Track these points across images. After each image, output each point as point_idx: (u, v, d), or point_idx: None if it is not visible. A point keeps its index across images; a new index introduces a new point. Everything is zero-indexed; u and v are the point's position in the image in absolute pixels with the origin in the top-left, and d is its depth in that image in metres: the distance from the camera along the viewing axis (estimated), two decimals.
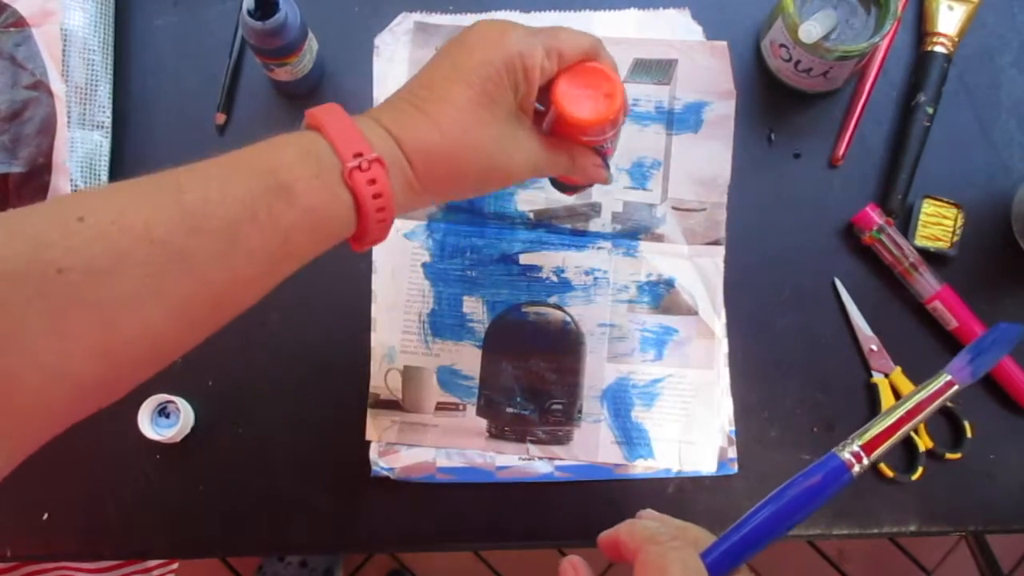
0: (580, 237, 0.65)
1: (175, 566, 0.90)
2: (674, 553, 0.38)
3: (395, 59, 0.66)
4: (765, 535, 0.38)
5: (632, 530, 0.41)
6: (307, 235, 0.39)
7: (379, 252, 0.64)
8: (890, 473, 0.62)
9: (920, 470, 0.62)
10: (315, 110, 0.41)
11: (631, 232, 0.65)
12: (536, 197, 0.65)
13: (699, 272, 0.64)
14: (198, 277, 0.35)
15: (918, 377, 0.63)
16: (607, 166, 0.52)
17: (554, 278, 0.64)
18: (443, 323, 0.64)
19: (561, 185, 0.58)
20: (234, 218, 0.36)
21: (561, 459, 0.62)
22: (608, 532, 0.44)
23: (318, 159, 0.39)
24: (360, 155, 0.39)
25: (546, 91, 0.46)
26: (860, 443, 0.38)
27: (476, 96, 0.42)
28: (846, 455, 0.38)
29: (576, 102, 0.45)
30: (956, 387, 0.40)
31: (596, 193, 0.65)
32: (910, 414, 0.39)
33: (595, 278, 0.64)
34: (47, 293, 0.32)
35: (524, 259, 0.64)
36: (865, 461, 0.38)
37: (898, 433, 0.39)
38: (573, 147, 0.49)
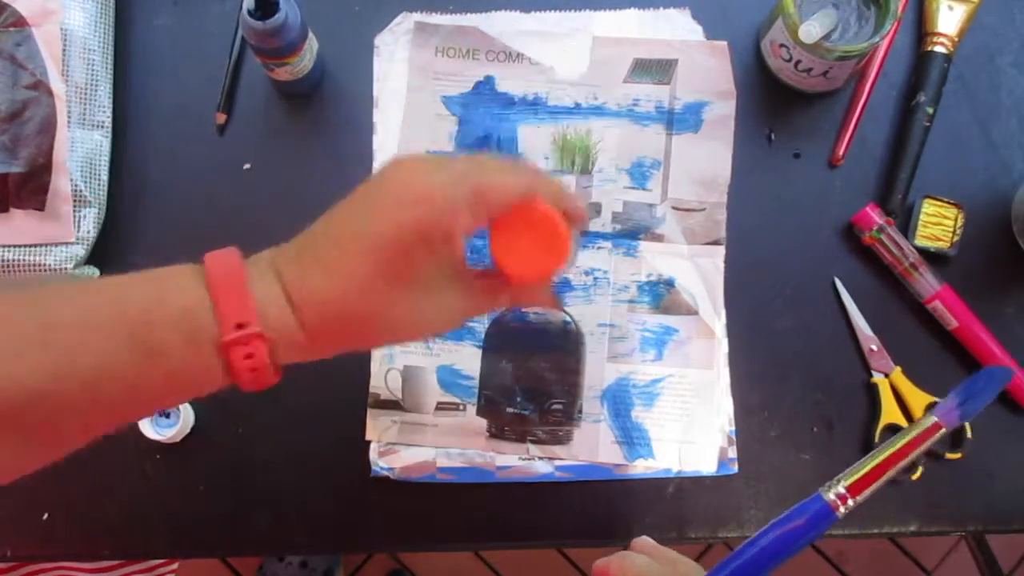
0: (581, 237, 0.65)
1: (175, 566, 0.90)
2: None
3: (395, 59, 0.66)
4: (753, 573, 0.38)
5: (622, 565, 0.43)
6: (169, 392, 0.38)
7: None
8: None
9: (920, 470, 0.62)
10: (213, 256, 0.38)
11: (631, 232, 0.65)
12: None
13: (699, 272, 0.64)
14: (54, 423, 0.37)
15: (918, 377, 0.63)
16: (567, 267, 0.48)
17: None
18: None
19: None
20: (92, 376, 0.35)
21: (561, 459, 0.62)
22: (602, 561, 0.45)
23: (196, 321, 0.36)
24: (242, 326, 0.36)
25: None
26: (846, 484, 0.38)
27: (382, 265, 0.38)
28: (831, 496, 0.38)
29: (518, 259, 0.41)
30: (943, 430, 0.40)
31: (596, 193, 0.65)
32: (897, 456, 0.39)
33: (595, 278, 0.64)
34: None
35: None
36: (850, 502, 0.38)
37: (884, 476, 0.38)
38: (515, 288, 0.44)
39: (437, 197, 0.37)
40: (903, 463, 0.39)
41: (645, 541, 0.48)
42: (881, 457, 0.38)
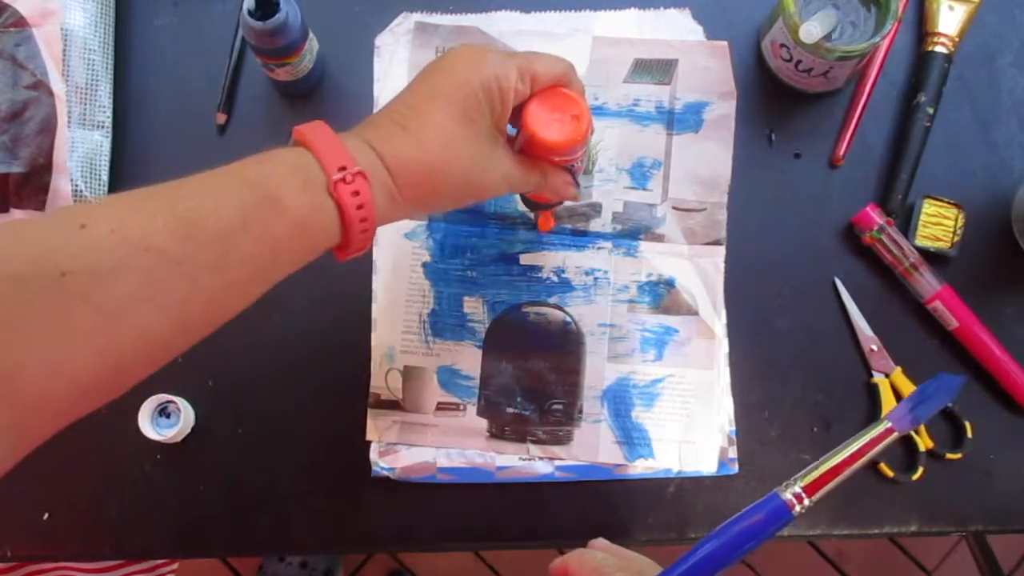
0: (580, 237, 0.65)
1: (175, 566, 0.90)
2: None
3: (395, 59, 0.66)
4: (707, 570, 0.39)
5: (581, 561, 0.44)
6: (295, 243, 0.41)
7: (379, 252, 0.64)
8: (890, 473, 0.62)
9: (920, 470, 0.62)
10: (302, 127, 0.43)
11: (631, 232, 0.65)
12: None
13: (699, 272, 0.64)
14: (192, 283, 0.37)
15: (918, 377, 0.63)
16: (576, 183, 0.55)
17: (554, 278, 0.64)
18: (443, 323, 0.64)
19: (531, 203, 0.60)
20: (225, 228, 0.38)
21: (561, 459, 0.62)
22: (558, 561, 0.47)
23: (305, 172, 0.41)
24: (344, 168, 0.41)
25: (518, 114, 0.48)
26: (802, 484, 0.40)
27: (455, 115, 0.45)
28: (788, 496, 0.39)
29: (546, 125, 0.48)
30: (895, 434, 0.41)
31: (596, 193, 0.65)
32: (851, 459, 0.40)
33: (595, 278, 0.64)
34: (51, 294, 0.33)
35: (524, 259, 0.64)
36: (806, 502, 0.39)
37: (839, 477, 0.40)
38: (544, 166, 0.51)
39: (494, 61, 0.46)
40: (857, 465, 0.40)
41: (602, 541, 0.51)
42: (837, 459, 0.40)
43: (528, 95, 0.48)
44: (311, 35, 0.62)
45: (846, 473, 0.40)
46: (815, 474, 0.40)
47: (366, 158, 0.43)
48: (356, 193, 0.41)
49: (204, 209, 0.38)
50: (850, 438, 0.41)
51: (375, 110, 0.65)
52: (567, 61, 0.49)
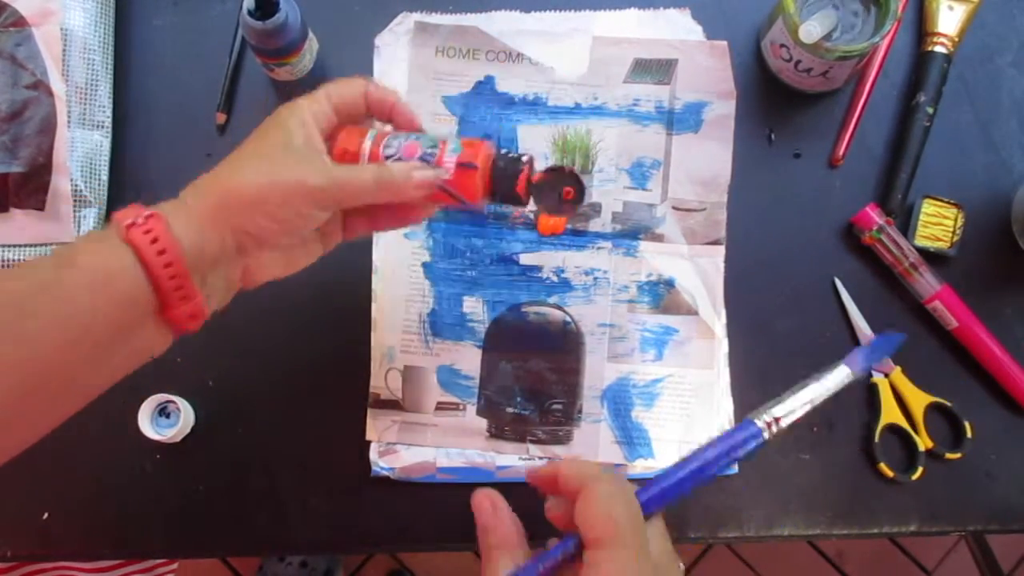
0: (580, 237, 0.65)
1: (175, 566, 0.90)
2: (618, 490, 0.41)
3: (395, 59, 0.66)
4: (688, 483, 0.43)
5: (579, 468, 0.43)
6: (100, 299, 0.39)
7: (379, 252, 0.64)
8: (890, 473, 0.62)
9: (920, 470, 0.62)
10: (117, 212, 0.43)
11: (631, 232, 0.65)
12: None
13: (699, 272, 0.64)
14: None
15: (918, 377, 0.63)
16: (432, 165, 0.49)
17: (554, 278, 0.64)
18: (443, 323, 0.64)
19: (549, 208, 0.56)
20: (25, 290, 0.38)
21: (561, 459, 0.62)
22: (545, 467, 0.46)
23: (100, 231, 0.42)
24: (137, 214, 0.40)
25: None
26: (774, 414, 0.44)
27: (250, 142, 0.46)
28: (760, 422, 0.43)
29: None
30: (849, 373, 0.45)
31: (596, 193, 0.65)
32: (808, 393, 0.45)
33: (595, 278, 0.64)
34: None
35: (524, 259, 0.64)
36: (774, 428, 0.43)
37: (800, 407, 0.44)
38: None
39: (297, 101, 0.47)
40: (817, 401, 0.45)
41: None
42: (801, 395, 0.44)
43: (330, 112, 0.48)
44: (311, 35, 0.62)
45: (808, 407, 0.44)
46: (784, 406, 0.44)
47: (167, 206, 0.42)
48: (149, 231, 0.40)
49: (6, 277, 0.39)
50: (810, 378, 0.45)
51: None
52: (364, 79, 0.51)
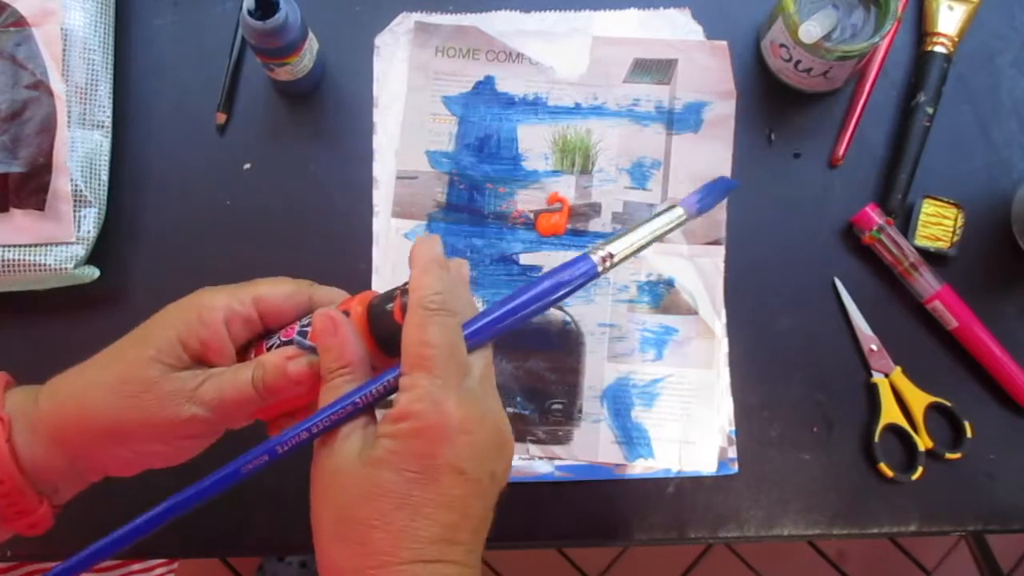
0: (580, 237, 0.65)
1: (175, 566, 0.90)
2: (438, 316, 0.39)
3: (395, 59, 0.66)
4: (519, 313, 0.41)
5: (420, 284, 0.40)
6: None
7: (379, 252, 0.64)
8: (890, 473, 0.62)
9: (920, 470, 0.62)
10: None
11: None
12: (536, 197, 0.65)
13: (699, 272, 0.64)
14: None
15: (918, 377, 0.63)
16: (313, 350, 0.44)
17: None
18: None
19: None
20: None
21: (561, 459, 0.62)
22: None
23: None
24: None
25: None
26: (608, 250, 0.43)
27: (134, 348, 0.42)
28: (596, 257, 0.43)
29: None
30: (685, 218, 0.46)
31: (596, 193, 0.65)
32: (644, 233, 0.45)
33: None
34: None
35: (524, 259, 0.64)
36: (608, 264, 0.43)
37: (635, 244, 0.44)
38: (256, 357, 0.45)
39: (202, 295, 0.44)
40: (652, 239, 0.45)
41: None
42: (636, 232, 0.45)
43: (255, 316, 0.44)
44: (311, 35, 0.62)
45: (643, 244, 0.45)
46: (620, 242, 0.44)
47: (19, 404, 0.41)
48: None
49: None
50: (647, 217, 0.46)
51: (375, 110, 0.66)
52: (295, 282, 0.46)
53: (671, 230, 0.46)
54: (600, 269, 0.43)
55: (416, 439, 0.37)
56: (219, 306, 0.42)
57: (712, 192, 0.50)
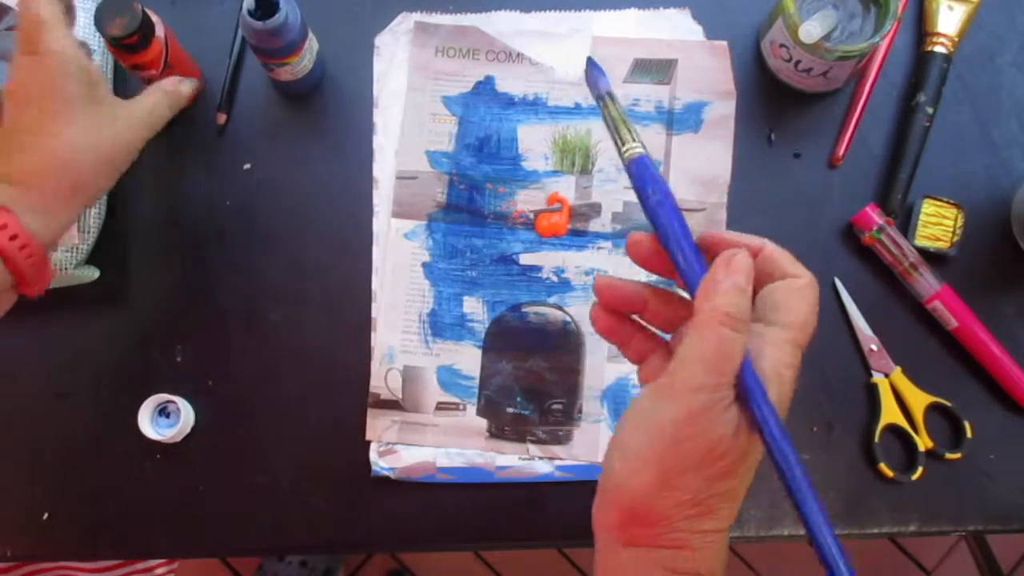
0: (580, 237, 0.65)
1: (175, 566, 0.90)
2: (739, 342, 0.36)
3: (395, 59, 0.66)
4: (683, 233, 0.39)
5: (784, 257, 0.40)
6: None
7: (379, 252, 0.64)
8: (890, 473, 0.62)
9: (920, 470, 0.62)
10: None
11: (631, 232, 0.64)
12: (536, 197, 0.65)
13: None
14: None
15: (918, 377, 0.63)
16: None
17: (554, 278, 0.64)
18: (443, 323, 0.64)
19: None
20: None
21: (561, 459, 0.62)
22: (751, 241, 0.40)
23: None
24: None
25: None
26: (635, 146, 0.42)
27: (50, 108, 0.49)
28: (637, 150, 0.42)
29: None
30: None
31: (596, 193, 0.65)
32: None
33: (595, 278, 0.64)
34: None
35: (524, 259, 0.64)
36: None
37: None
38: (150, 87, 0.57)
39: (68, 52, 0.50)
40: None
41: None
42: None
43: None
44: (311, 35, 0.62)
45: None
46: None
47: (5, 192, 0.47)
48: (4, 227, 0.45)
49: None
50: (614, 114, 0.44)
51: (375, 109, 0.66)
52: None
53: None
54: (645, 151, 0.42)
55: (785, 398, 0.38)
56: (79, 54, 0.50)
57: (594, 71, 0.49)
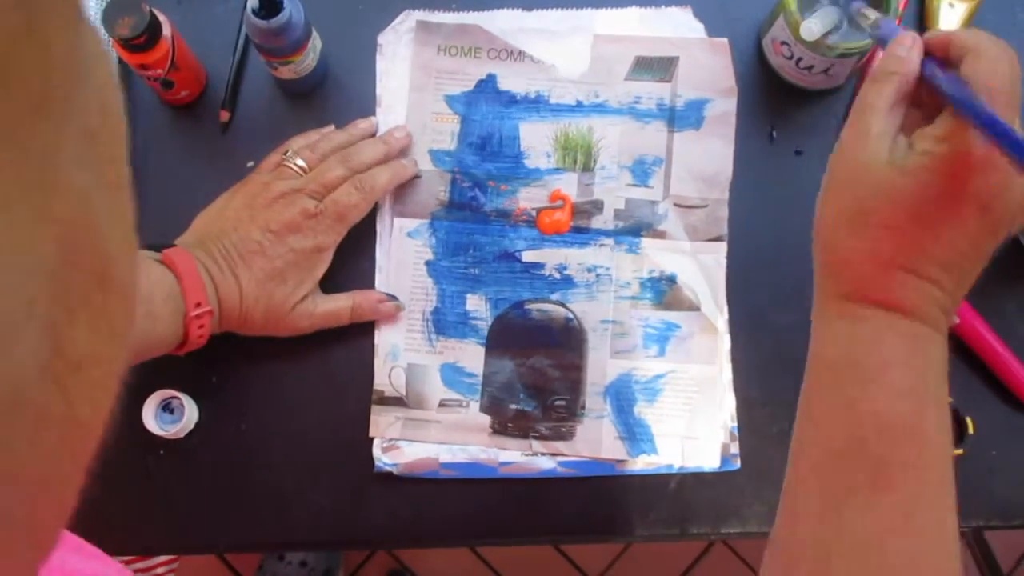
0: (582, 234, 0.65)
1: (175, 565, 0.90)
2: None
3: (397, 57, 0.67)
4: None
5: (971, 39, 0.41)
6: (147, 348, 0.55)
7: (382, 251, 0.65)
8: None
9: None
10: (170, 254, 0.55)
11: (633, 229, 0.65)
12: (538, 194, 0.65)
13: (701, 268, 0.64)
14: None
15: None
16: (393, 297, 0.64)
17: (556, 275, 0.64)
18: (446, 321, 0.64)
19: None
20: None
21: (564, 455, 0.62)
22: (938, 37, 0.43)
23: (175, 302, 0.54)
24: (199, 305, 0.54)
25: None
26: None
27: (269, 270, 0.57)
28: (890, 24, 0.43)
29: None
30: None
31: (598, 191, 0.65)
32: None
33: (597, 275, 0.64)
34: None
35: (527, 256, 0.65)
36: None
37: None
38: (351, 294, 0.63)
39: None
40: None
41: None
42: None
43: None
44: (314, 33, 0.62)
45: None
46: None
47: (211, 296, 0.56)
48: (201, 326, 0.55)
49: None
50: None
51: (377, 108, 0.66)
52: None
53: None
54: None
55: (953, 163, 0.38)
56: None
57: None
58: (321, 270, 0.60)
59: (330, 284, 0.64)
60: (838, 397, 0.41)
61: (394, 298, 0.63)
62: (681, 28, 0.67)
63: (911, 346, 0.41)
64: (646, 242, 0.65)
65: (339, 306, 0.61)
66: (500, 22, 0.67)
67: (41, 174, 0.14)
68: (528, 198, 0.65)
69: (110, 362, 0.18)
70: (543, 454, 0.62)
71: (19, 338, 0.14)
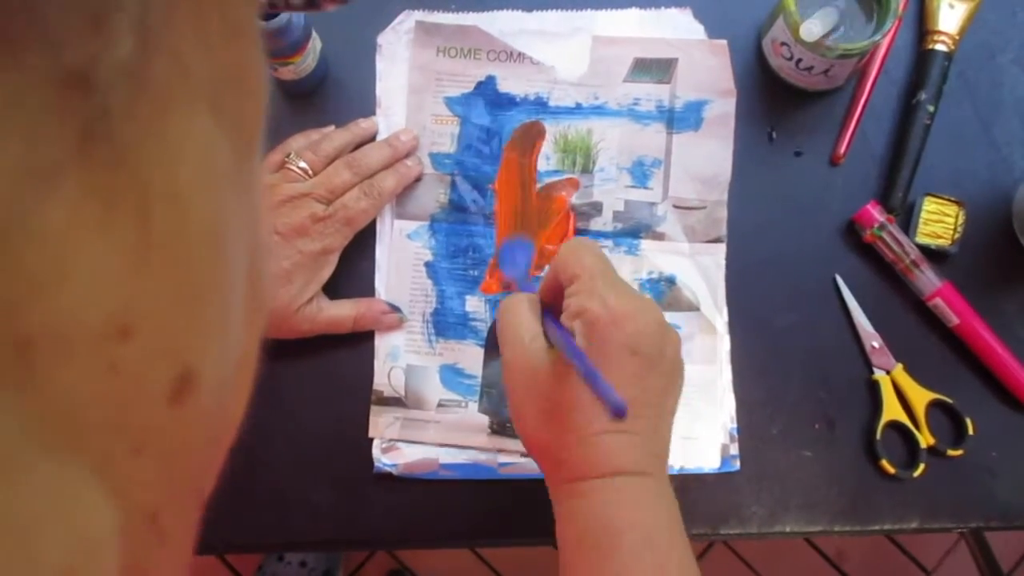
0: (581, 236, 0.65)
1: None
2: (584, 244, 0.49)
3: (397, 58, 0.66)
4: None
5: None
6: None
7: (382, 251, 0.65)
8: (891, 470, 0.62)
9: (921, 467, 0.63)
10: None
11: (632, 230, 0.65)
12: None
13: (700, 270, 0.64)
14: None
15: (919, 374, 0.64)
16: (396, 309, 0.64)
17: None
18: (446, 322, 0.64)
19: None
20: None
21: None
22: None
23: None
24: None
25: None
26: None
27: (276, 272, 0.58)
28: None
29: None
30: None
31: (597, 192, 0.65)
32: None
33: None
34: None
35: None
36: None
37: None
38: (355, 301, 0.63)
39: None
40: None
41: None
42: None
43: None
44: (314, 34, 0.62)
45: None
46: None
47: None
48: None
49: None
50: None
51: (378, 109, 0.66)
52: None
53: None
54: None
55: (592, 329, 0.44)
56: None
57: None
58: (328, 272, 0.60)
59: (330, 284, 0.64)
60: (587, 570, 0.44)
61: (398, 309, 0.63)
62: (681, 29, 0.67)
63: (636, 499, 0.44)
64: (645, 244, 0.65)
65: (343, 314, 0.61)
66: (500, 23, 0.67)
67: None
68: None
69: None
70: None
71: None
